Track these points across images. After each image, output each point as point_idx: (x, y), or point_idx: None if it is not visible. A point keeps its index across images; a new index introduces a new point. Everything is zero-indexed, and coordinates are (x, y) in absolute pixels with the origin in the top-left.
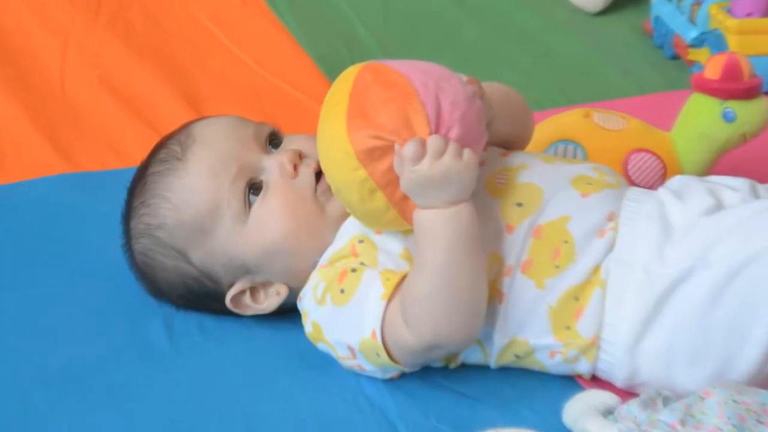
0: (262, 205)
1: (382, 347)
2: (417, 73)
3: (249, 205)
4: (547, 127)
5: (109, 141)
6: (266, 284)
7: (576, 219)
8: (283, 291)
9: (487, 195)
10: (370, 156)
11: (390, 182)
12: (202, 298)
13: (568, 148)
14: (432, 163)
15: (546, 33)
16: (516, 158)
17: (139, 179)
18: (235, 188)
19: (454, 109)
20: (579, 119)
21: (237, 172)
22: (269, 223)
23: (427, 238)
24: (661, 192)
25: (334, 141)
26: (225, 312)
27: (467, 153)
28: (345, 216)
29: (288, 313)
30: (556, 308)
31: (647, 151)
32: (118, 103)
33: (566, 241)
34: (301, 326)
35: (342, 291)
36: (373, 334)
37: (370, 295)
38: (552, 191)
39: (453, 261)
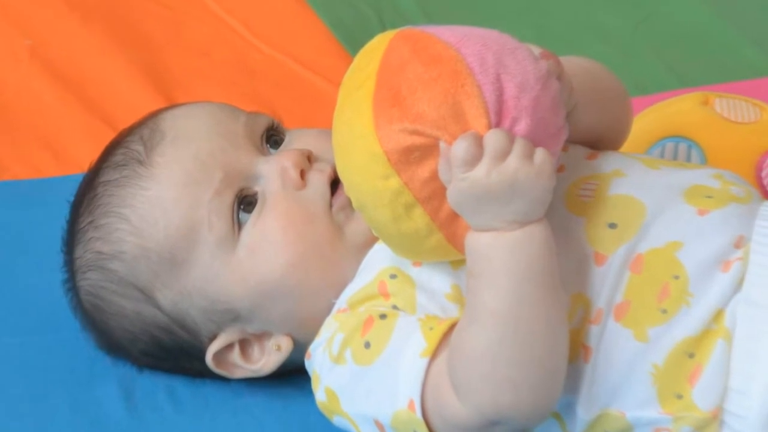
0: (256, 226)
1: (422, 423)
2: (471, 43)
3: (239, 226)
4: (651, 119)
5: (46, 138)
6: (262, 336)
7: (690, 246)
8: (285, 345)
9: (567, 212)
10: (407, 158)
11: (433, 194)
12: (174, 354)
13: (679, 148)
14: (491, 168)
15: None
16: (608, 161)
17: (87, 191)
18: (220, 203)
19: (522, 93)
20: (695, 108)
21: (222, 180)
22: (266, 251)
23: (485, 272)
24: None
25: (357, 138)
26: (205, 374)
27: (540, 154)
28: (371, 241)
29: (292, 374)
30: (662, 369)
31: None
32: (56, 87)
33: (677, 276)
34: (309, 393)
35: (367, 345)
36: (411, 404)
37: (407, 352)
38: (657, 207)
39: (521, 304)
